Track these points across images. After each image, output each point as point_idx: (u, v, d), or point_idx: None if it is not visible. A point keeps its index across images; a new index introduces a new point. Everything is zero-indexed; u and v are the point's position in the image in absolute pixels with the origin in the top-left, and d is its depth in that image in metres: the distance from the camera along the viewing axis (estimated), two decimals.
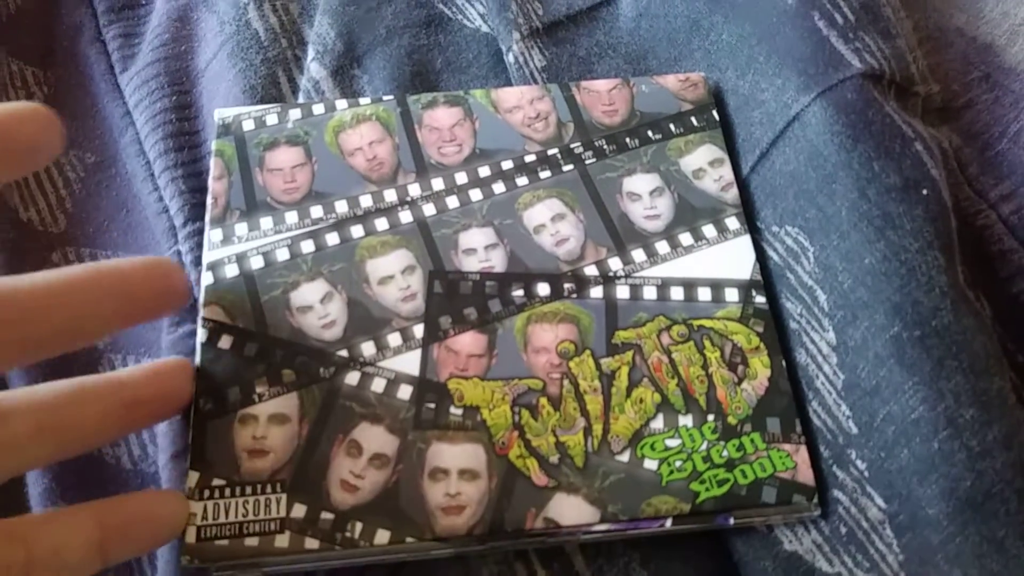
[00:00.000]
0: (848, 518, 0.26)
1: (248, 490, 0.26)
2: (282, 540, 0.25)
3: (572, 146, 0.32)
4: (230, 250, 0.30)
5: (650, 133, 0.33)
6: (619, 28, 0.36)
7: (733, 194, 0.31)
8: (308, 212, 0.31)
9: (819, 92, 0.29)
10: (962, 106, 0.32)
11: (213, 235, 0.30)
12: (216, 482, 0.26)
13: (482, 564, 0.27)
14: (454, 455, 0.27)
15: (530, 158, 0.32)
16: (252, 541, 0.25)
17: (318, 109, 0.33)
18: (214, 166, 0.32)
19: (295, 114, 0.33)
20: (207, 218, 0.31)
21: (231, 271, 0.30)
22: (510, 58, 0.35)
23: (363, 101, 0.33)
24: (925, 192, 0.28)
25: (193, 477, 0.26)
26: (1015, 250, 0.30)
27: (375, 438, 0.27)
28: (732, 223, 0.31)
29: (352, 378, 0.28)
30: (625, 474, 0.26)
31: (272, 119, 0.33)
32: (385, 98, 0.33)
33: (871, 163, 0.28)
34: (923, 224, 0.27)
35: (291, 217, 0.31)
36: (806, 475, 0.26)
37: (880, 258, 0.27)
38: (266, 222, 0.31)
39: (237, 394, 0.27)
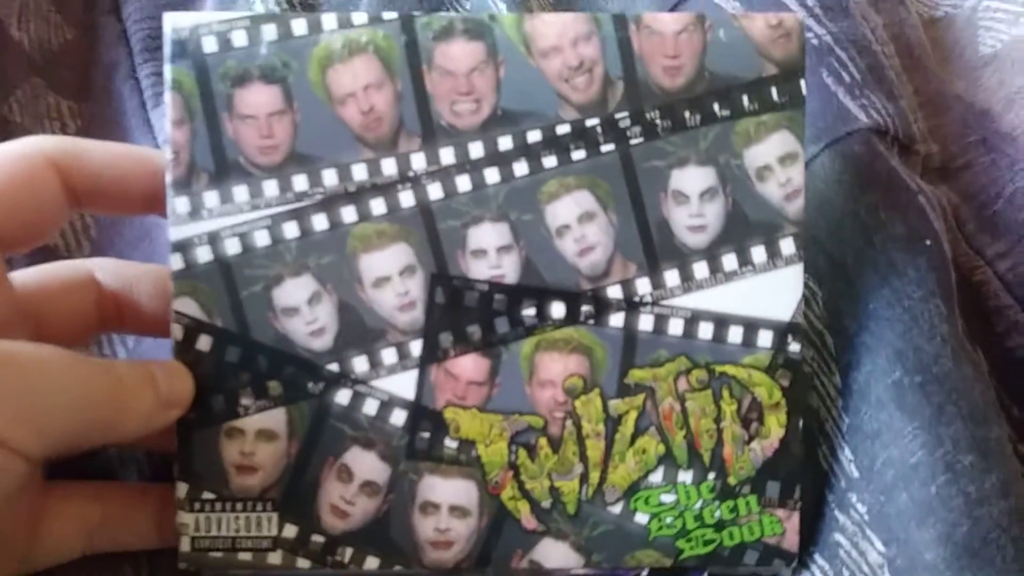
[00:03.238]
0: (849, 561, 0.27)
1: (239, 506, 0.26)
2: (275, 558, 0.26)
3: (618, 116, 0.26)
4: (200, 227, 0.26)
5: (717, 107, 0.26)
6: None
7: (797, 206, 0.26)
8: (290, 183, 0.26)
9: (827, 143, 0.30)
10: (960, 167, 0.33)
11: (178, 204, 0.26)
12: (206, 495, 0.26)
13: None
14: (446, 491, 0.26)
15: (563, 129, 0.26)
16: (246, 556, 0.26)
17: (299, 27, 0.25)
18: (171, 104, 0.25)
19: (269, 32, 0.25)
20: (168, 179, 0.26)
21: (203, 255, 0.26)
22: None
23: (357, 19, 0.25)
24: (928, 243, 0.28)
25: (182, 488, 0.26)
26: (1010, 306, 0.31)
27: (366, 465, 0.26)
28: (787, 246, 0.26)
29: (343, 396, 0.26)
30: (614, 526, 0.26)
31: (240, 37, 0.25)
32: (386, 16, 0.26)
33: (877, 212, 0.29)
34: (926, 273, 0.28)
35: (270, 188, 0.26)
36: (792, 542, 0.27)
37: (884, 304, 0.28)
38: (240, 192, 0.26)
39: (221, 404, 0.26)
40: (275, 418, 0.26)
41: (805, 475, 0.27)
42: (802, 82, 0.26)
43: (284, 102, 0.26)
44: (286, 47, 0.26)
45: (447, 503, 0.26)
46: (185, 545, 0.26)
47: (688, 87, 0.26)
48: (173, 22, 0.25)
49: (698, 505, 0.26)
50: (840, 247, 0.29)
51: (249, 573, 0.26)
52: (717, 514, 0.26)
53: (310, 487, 0.26)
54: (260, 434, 0.26)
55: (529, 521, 0.26)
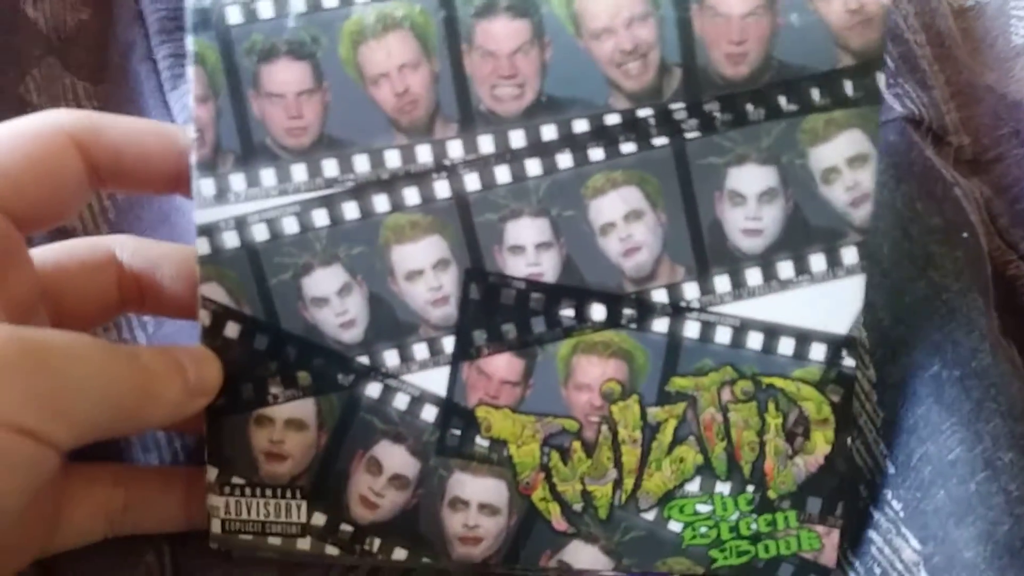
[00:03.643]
0: (882, 559, 0.27)
1: (268, 492, 0.26)
2: (304, 544, 0.26)
3: (672, 107, 0.24)
4: (226, 211, 0.24)
5: (784, 100, 0.23)
6: None
7: (864, 212, 0.24)
8: (320, 168, 0.24)
9: None
10: (992, 159, 0.32)
11: (204, 186, 0.24)
12: (236, 480, 0.26)
13: None
14: (475, 488, 0.26)
15: (612, 119, 0.24)
16: (275, 541, 0.26)
17: (330, 0, 0.23)
18: (195, 79, 0.24)
19: (297, 4, 0.23)
20: (193, 159, 0.24)
21: (230, 240, 0.25)
22: None
23: None
24: (965, 235, 0.28)
25: (212, 472, 0.26)
26: None
27: (396, 458, 0.26)
28: (849, 255, 0.24)
29: (373, 390, 0.25)
30: (647, 532, 0.26)
31: (266, 8, 0.24)
32: None
33: (914, 203, 0.28)
34: (963, 266, 0.27)
35: (298, 172, 0.24)
36: (830, 557, 0.26)
37: (920, 297, 0.27)
38: (267, 176, 0.24)
39: (251, 392, 0.25)
40: (304, 408, 0.26)
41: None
42: (880, 75, 0.23)
43: (313, 80, 0.24)
44: (315, 20, 0.24)
45: (476, 500, 0.26)
46: (216, 527, 0.26)
47: (753, 77, 0.23)
48: None
49: (734, 517, 0.26)
50: (875, 238, 0.28)
51: (278, 556, 0.27)
52: (754, 527, 0.26)
53: (339, 477, 0.26)
54: (289, 423, 0.26)
55: (560, 523, 0.26)
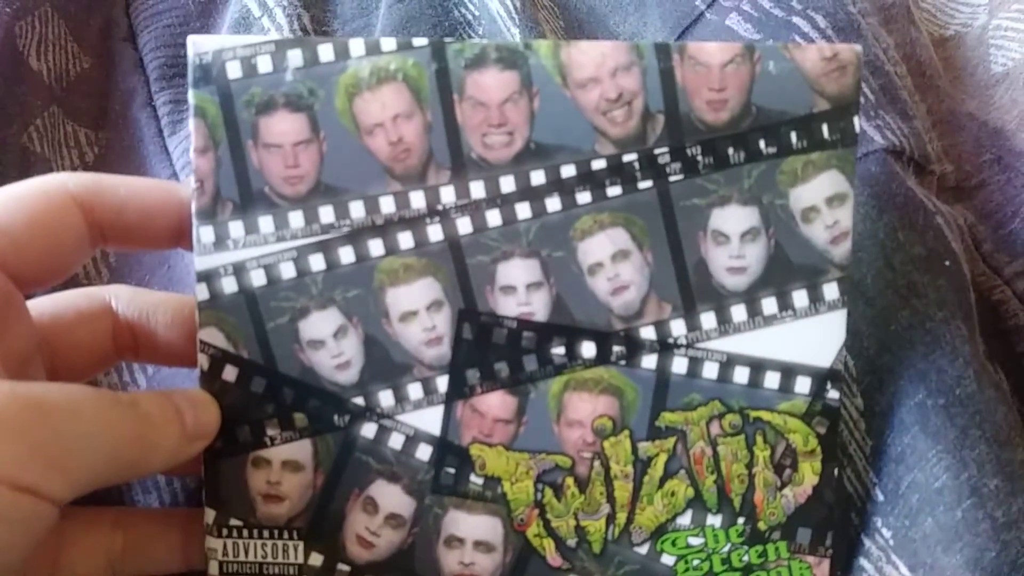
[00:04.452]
0: None
1: (266, 534, 0.26)
2: None
3: (656, 152, 0.25)
4: (225, 257, 0.25)
5: (763, 144, 0.24)
6: None
7: (844, 249, 0.25)
8: (316, 214, 0.25)
9: None
10: (975, 186, 0.33)
11: (203, 233, 0.25)
12: (233, 522, 0.26)
13: None
14: (471, 526, 0.26)
15: (599, 164, 0.25)
16: None
17: (326, 53, 0.24)
18: (195, 131, 0.25)
19: (295, 58, 0.24)
20: (193, 208, 0.25)
21: (229, 285, 0.25)
22: None
23: (386, 46, 0.24)
24: (947, 264, 0.28)
25: (210, 514, 0.26)
26: None
27: (391, 498, 0.26)
28: (830, 291, 0.25)
29: (368, 430, 0.26)
30: (640, 566, 0.26)
31: (265, 63, 0.24)
32: (416, 43, 0.24)
33: (896, 233, 0.28)
34: (946, 294, 0.28)
35: (295, 219, 0.25)
36: None
37: (905, 325, 0.27)
38: (265, 223, 0.25)
39: (247, 434, 0.26)
40: (301, 449, 0.26)
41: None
42: (856, 119, 0.24)
43: (310, 131, 0.25)
44: (312, 74, 0.25)
45: (472, 538, 0.26)
46: (214, 569, 0.26)
47: (733, 122, 0.24)
48: (196, 46, 0.24)
49: (726, 548, 0.26)
50: (859, 268, 0.28)
51: None
52: (745, 558, 0.26)
53: (336, 517, 0.26)
54: (286, 464, 0.26)
55: (554, 558, 0.26)
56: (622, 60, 0.24)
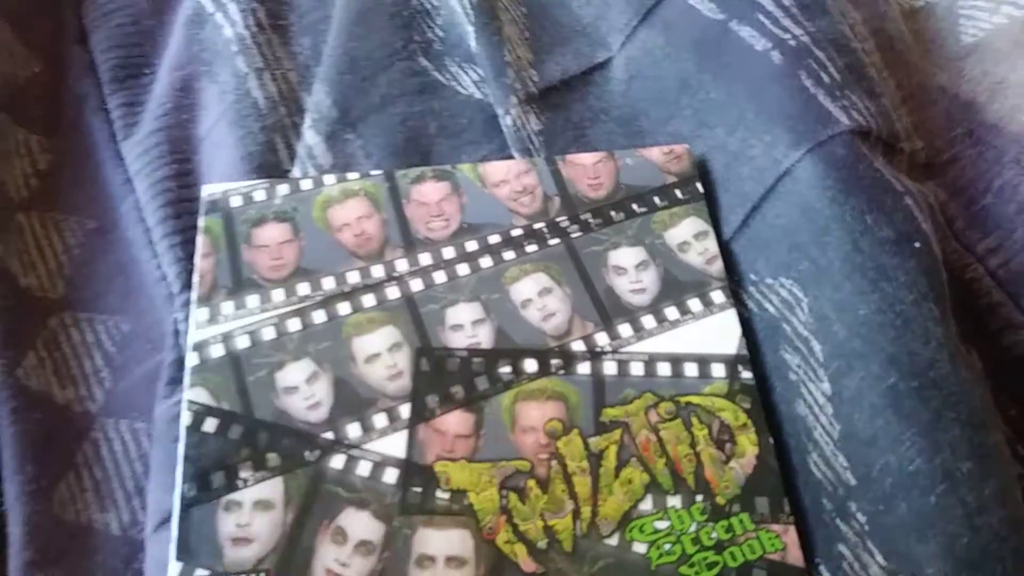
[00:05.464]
0: (852, 574, 0.26)
1: None
2: None
3: (558, 220, 0.32)
4: (216, 330, 0.30)
5: (635, 206, 0.33)
6: (611, 92, 0.37)
7: (718, 267, 0.31)
8: (295, 289, 0.31)
9: (809, 148, 0.30)
10: (946, 161, 0.33)
11: (199, 315, 0.30)
12: (199, 572, 0.26)
13: None
14: (440, 542, 0.26)
15: (516, 232, 0.32)
16: None
17: (306, 185, 0.33)
18: (201, 244, 0.32)
19: (283, 190, 0.33)
20: (193, 296, 0.31)
21: (216, 351, 0.29)
22: (507, 122, 0.35)
23: (351, 176, 0.33)
24: (917, 245, 0.28)
25: (175, 568, 0.26)
26: (1003, 303, 0.30)
27: (361, 524, 0.27)
28: (717, 296, 0.31)
29: (337, 461, 0.28)
30: (614, 558, 0.26)
31: (260, 195, 0.33)
32: (373, 173, 0.34)
33: (863, 216, 0.28)
34: (916, 276, 0.27)
35: (278, 295, 0.31)
36: (796, 556, 0.26)
37: (875, 309, 0.27)
38: (252, 300, 0.31)
39: (222, 479, 0.27)
40: (272, 488, 0.27)
41: (797, 486, 0.27)
42: (698, 184, 0.33)
43: (292, 233, 0.32)
44: (295, 197, 0.33)
45: (443, 554, 0.26)
46: None
47: (609, 196, 0.33)
48: (208, 191, 0.33)
49: (693, 528, 0.26)
50: (826, 253, 0.28)
51: None
52: (714, 535, 0.26)
53: (305, 554, 0.26)
54: (257, 504, 0.27)
55: (527, 564, 0.26)
56: (523, 168, 0.34)
